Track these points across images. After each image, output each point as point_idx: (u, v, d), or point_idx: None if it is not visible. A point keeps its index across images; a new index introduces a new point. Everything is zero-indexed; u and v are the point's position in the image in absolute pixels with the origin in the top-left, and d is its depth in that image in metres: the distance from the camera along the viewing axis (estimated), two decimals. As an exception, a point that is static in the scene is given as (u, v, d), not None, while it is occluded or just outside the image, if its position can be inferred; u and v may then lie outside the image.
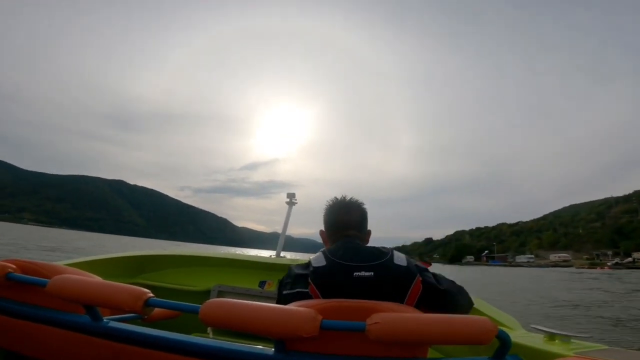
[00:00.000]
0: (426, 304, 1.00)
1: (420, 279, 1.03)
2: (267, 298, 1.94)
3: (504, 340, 0.78)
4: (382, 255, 1.05)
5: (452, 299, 1.06)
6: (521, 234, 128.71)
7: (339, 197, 1.26)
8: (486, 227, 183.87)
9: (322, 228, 1.28)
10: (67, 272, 1.09)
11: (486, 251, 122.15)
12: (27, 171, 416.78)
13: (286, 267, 2.02)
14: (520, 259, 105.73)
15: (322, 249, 1.14)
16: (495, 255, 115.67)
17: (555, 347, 1.00)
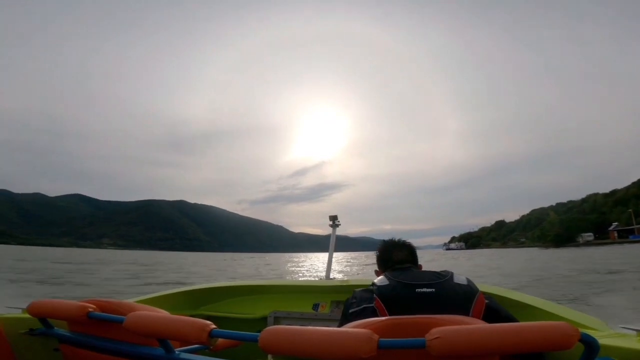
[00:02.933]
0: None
1: (483, 297, 1.07)
2: (321, 320, 2.02)
3: (589, 344, 0.73)
4: (442, 276, 1.11)
5: None
6: (628, 202, 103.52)
7: (386, 239, 1.45)
8: (570, 202, 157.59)
9: (377, 267, 1.44)
10: (139, 309, 1.18)
11: (615, 224, 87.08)
12: (102, 201, 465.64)
13: (337, 289, 2.13)
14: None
15: (384, 273, 1.22)
16: (635, 227, 76.97)
17: None
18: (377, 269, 1.43)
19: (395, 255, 1.36)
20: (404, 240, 1.42)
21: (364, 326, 0.83)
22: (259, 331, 0.85)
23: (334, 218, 3.16)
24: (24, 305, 1.36)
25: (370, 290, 1.13)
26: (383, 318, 0.89)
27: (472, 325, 0.77)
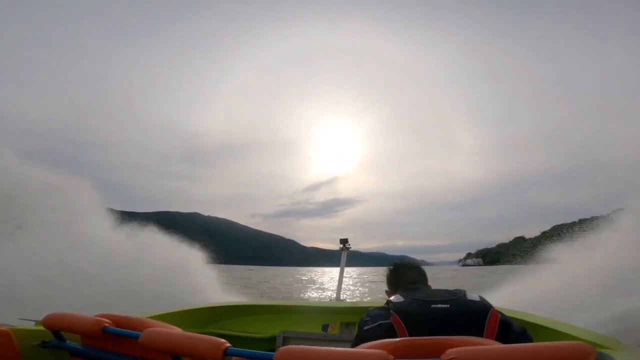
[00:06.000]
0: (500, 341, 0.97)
1: (497, 312, 1.09)
2: (331, 341, 2.05)
3: None
4: (455, 293, 1.16)
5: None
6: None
7: (397, 260, 1.51)
8: (594, 217, 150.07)
9: (387, 287, 1.48)
10: (152, 325, 1.18)
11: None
12: (118, 211, 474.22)
13: (347, 310, 2.14)
14: None
15: (398, 292, 1.25)
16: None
17: None
18: (387, 289, 1.48)
19: (406, 275, 1.41)
20: (414, 262, 1.49)
21: (380, 347, 0.82)
22: (269, 351, 0.87)
23: (344, 241, 3.18)
24: (38, 318, 1.39)
25: (385, 308, 1.16)
26: (398, 339, 0.88)
27: (488, 346, 0.77)
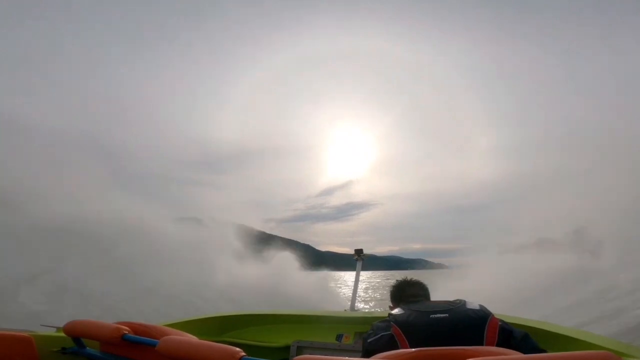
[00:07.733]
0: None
1: (497, 319, 1.11)
2: (345, 351, 2.05)
3: None
4: (455, 303, 1.19)
5: (526, 350, 1.03)
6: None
7: (400, 278, 1.61)
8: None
9: (390, 304, 1.55)
10: (169, 333, 1.20)
11: None
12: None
13: (361, 320, 2.16)
14: None
15: (400, 305, 1.31)
16: None
17: None
18: (391, 304, 1.56)
19: (407, 290, 1.50)
20: (416, 279, 1.58)
21: (395, 357, 0.82)
22: None
23: (359, 252, 3.17)
24: (59, 325, 1.42)
25: (386, 320, 1.21)
26: (414, 350, 0.88)
27: (509, 356, 0.75)
